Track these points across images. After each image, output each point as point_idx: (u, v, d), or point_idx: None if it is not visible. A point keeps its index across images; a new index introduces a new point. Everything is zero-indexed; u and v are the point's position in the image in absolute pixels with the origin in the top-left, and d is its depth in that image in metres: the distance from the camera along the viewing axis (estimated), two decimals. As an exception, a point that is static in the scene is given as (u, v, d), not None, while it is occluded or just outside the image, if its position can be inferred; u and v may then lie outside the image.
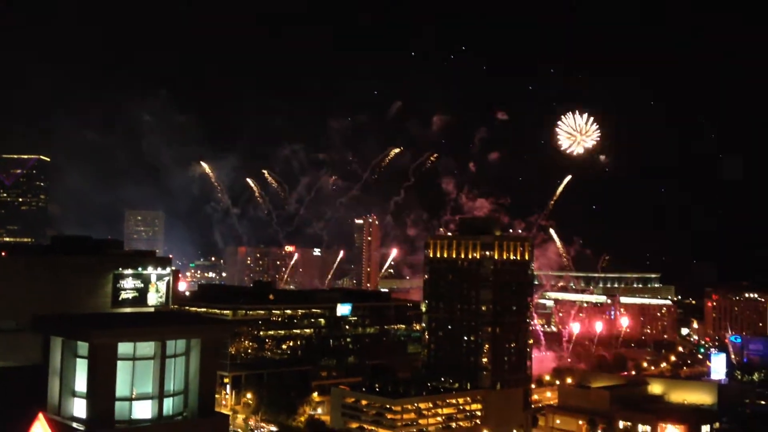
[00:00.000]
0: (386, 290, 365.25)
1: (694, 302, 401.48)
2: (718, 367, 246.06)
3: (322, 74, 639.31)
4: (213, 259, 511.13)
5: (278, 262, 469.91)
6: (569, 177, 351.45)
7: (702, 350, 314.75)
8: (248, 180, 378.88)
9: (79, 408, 74.66)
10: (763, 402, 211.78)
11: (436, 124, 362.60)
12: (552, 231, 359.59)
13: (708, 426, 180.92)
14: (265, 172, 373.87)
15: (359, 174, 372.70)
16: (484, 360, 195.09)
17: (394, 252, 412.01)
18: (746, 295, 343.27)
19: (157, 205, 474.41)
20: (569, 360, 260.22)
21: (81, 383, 74.57)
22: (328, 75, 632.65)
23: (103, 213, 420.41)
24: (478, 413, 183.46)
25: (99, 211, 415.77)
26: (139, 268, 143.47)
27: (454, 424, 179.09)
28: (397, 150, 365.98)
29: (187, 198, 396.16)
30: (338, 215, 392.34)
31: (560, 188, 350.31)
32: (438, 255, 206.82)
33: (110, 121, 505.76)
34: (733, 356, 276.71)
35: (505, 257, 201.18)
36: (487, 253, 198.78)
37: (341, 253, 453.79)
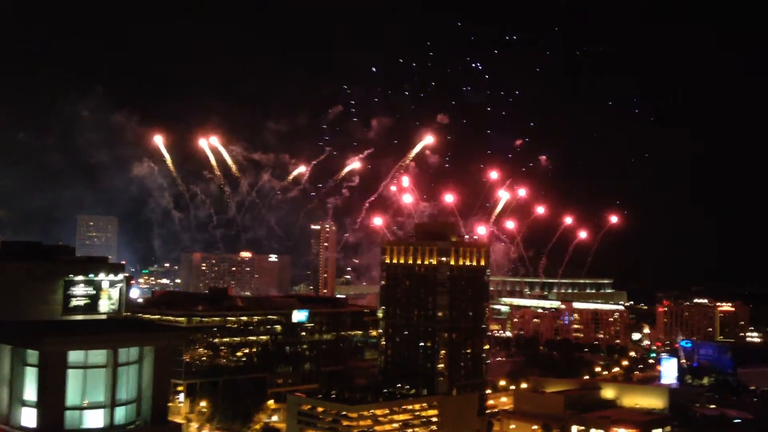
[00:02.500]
0: (343, 296, 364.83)
1: (645, 307, 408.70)
2: (669, 371, 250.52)
3: (261, 75, 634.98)
4: (167, 265, 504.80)
5: (233, 269, 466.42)
6: (509, 180, 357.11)
7: (653, 355, 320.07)
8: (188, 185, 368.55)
9: (28, 417, 73.24)
10: (713, 406, 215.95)
11: (375, 127, 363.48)
12: (499, 234, 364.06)
13: (659, 430, 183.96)
14: (205, 172, 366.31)
15: (298, 177, 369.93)
16: (441, 366, 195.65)
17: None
18: (696, 300, 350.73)
19: (98, 207, 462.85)
20: (524, 365, 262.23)
21: (30, 392, 73.20)
22: (267, 76, 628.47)
23: (47, 217, 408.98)
24: (434, 419, 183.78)
25: (43, 215, 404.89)
26: (91, 275, 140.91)
27: (410, 431, 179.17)
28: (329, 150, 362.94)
29: (135, 202, 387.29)
30: (281, 218, 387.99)
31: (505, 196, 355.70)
32: (395, 260, 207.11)
33: (49, 119, 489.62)
34: (683, 361, 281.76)
35: (461, 263, 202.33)
36: (444, 258, 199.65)
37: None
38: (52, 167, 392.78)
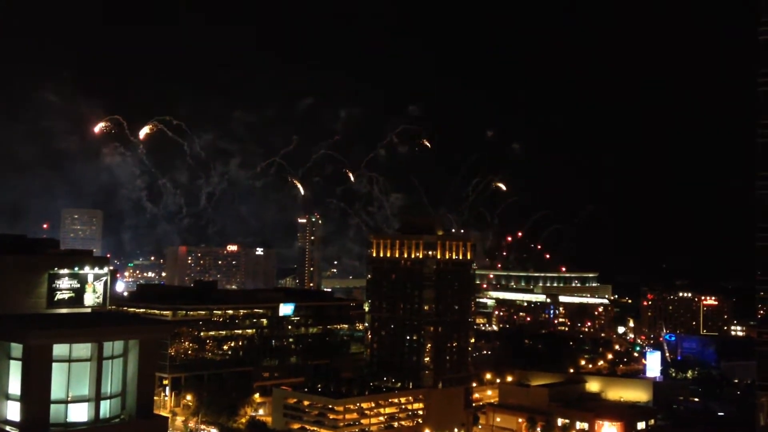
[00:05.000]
0: (329, 290, 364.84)
1: (630, 301, 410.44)
2: (653, 364, 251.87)
3: (233, 67, 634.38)
4: (152, 258, 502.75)
5: (219, 262, 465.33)
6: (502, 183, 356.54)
7: (638, 348, 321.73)
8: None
9: (12, 411, 72.83)
10: (696, 399, 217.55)
11: (344, 118, 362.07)
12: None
13: (643, 423, 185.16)
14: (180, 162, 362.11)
15: (266, 167, 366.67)
16: (426, 359, 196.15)
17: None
18: (680, 294, 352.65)
19: (68, 198, 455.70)
20: (509, 359, 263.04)
21: (15, 386, 72.75)
22: (239, 68, 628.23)
23: (17, 209, 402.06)
24: (420, 412, 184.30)
25: (13, 206, 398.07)
26: (76, 268, 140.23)
27: (396, 424, 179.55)
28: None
29: (109, 193, 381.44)
30: (260, 211, 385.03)
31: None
32: (381, 254, 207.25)
33: (16, 109, 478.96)
34: (667, 354, 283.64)
35: (447, 257, 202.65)
36: (430, 252, 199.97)
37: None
38: (20, 158, 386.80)
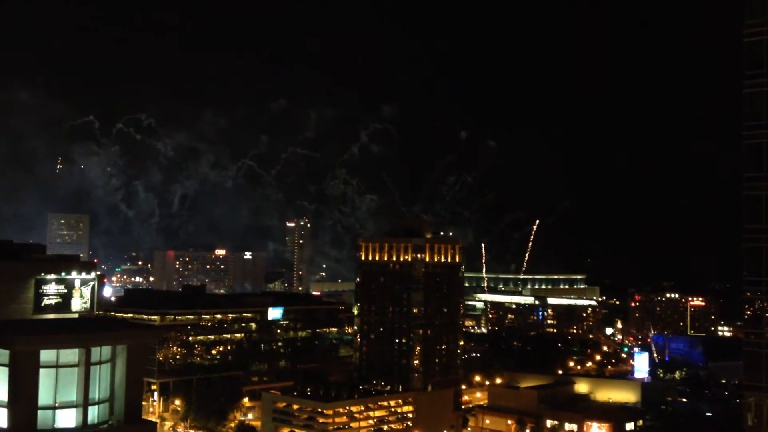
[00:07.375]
0: (318, 293, 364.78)
1: (618, 302, 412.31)
2: (641, 365, 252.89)
3: (205, 68, 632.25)
4: (140, 263, 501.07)
5: (207, 266, 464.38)
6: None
7: (626, 349, 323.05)
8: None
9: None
10: (684, 399, 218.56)
11: (314, 119, 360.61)
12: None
13: (632, 423, 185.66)
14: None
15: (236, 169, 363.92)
16: (416, 362, 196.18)
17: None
18: (668, 295, 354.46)
19: (36, 202, 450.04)
20: (498, 361, 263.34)
21: (1, 392, 72.32)
22: (209, 69, 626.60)
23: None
24: (410, 415, 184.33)
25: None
26: (63, 273, 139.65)
27: (385, 427, 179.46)
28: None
29: (80, 197, 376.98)
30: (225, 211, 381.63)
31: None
32: (369, 257, 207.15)
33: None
34: (655, 355, 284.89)
35: (436, 259, 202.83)
36: (419, 255, 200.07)
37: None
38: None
